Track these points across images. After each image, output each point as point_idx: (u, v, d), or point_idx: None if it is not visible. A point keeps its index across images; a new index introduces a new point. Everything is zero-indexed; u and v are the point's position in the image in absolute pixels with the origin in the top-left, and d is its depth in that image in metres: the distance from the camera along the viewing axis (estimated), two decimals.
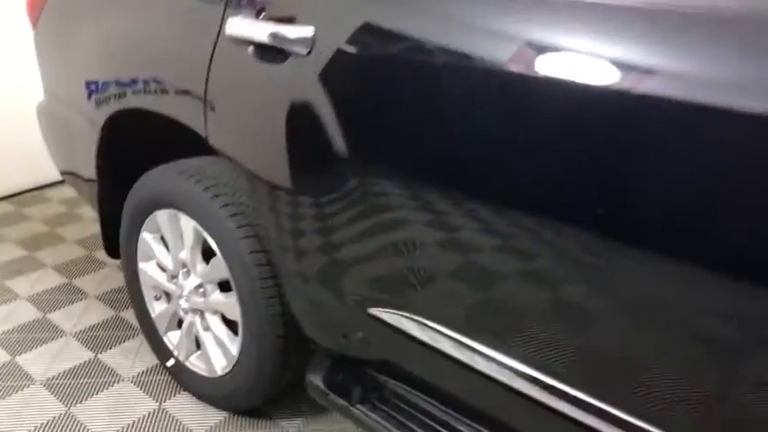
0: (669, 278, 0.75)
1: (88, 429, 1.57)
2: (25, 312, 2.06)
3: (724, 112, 0.68)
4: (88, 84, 1.66)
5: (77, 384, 1.73)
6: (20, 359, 1.83)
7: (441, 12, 0.93)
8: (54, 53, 1.84)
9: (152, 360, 1.81)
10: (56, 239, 2.57)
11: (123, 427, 1.59)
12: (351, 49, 1.03)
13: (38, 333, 1.95)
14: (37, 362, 1.82)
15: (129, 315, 2.00)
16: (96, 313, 2.07)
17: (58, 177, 2.37)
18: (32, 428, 1.57)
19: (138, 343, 1.90)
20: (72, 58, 1.73)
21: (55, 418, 1.61)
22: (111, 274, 2.30)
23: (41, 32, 1.87)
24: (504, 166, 0.89)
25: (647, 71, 0.73)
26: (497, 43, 0.86)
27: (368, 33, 1.01)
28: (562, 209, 0.83)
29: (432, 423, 1.20)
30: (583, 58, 0.78)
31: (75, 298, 2.15)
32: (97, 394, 1.70)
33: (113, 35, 1.56)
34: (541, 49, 0.82)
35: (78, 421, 1.60)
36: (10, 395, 1.68)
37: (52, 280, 2.26)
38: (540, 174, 0.85)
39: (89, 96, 1.66)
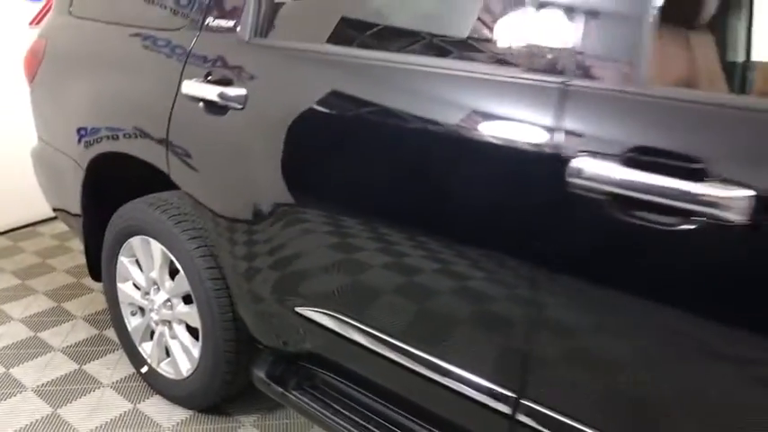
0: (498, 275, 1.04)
1: (72, 427, 1.83)
2: (18, 332, 2.32)
3: None
4: (78, 130, 1.96)
5: (64, 390, 1.99)
6: (13, 370, 2.09)
7: (326, 85, 1.25)
8: (47, 105, 2.16)
9: (129, 369, 2.07)
10: (47, 269, 2.85)
11: (102, 424, 1.84)
12: (273, 106, 1.34)
13: (29, 349, 2.21)
14: (28, 372, 2.08)
15: (111, 333, 2.26)
16: (82, 332, 2.33)
17: (51, 214, 2.66)
18: (24, 426, 1.82)
19: (118, 356, 2.16)
20: (62, 110, 2.05)
21: (43, 417, 1.86)
22: (96, 298, 2.56)
23: (36, 88, 2.18)
24: (381, 193, 1.19)
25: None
26: (369, 101, 1.18)
27: (283, 94, 1.32)
28: (427, 221, 1.13)
29: (352, 404, 1.47)
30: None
31: (64, 319, 2.42)
32: (81, 398, 1.96)
33: (97, 92, 1.87)
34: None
35: (64, 420, 1.86)
36: (4, 400, 1.94)
37: (43, 304, 2.53)
38: (397, 192, 1.15)
39: (78, 141, 1.95)
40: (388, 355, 1.28)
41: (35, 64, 2.14)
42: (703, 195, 0.80)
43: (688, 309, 0.85)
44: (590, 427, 1.01)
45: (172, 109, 1.57)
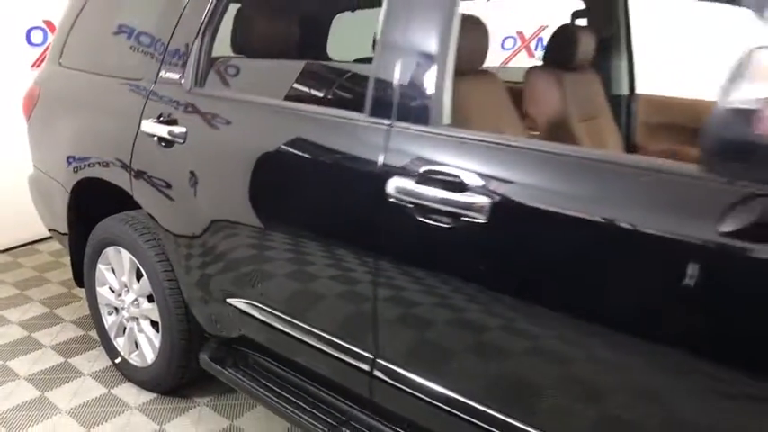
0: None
1: (56, 407, 2.19)
2: (15, 333, 2.70)
3: None
4: (67, 158, 2.34)
5: (51, 378, 2.35)
6: (9, 363, 2.46)
7: (242, 124, 1.64)
8: (41, 139, 2.57)
9: (106, 362, 2.44)
10: (43, 281, 3.24)
11: (81, 404, 2.20)
12: (205, 140, 1.74)
13: (24, 346, 2.59)
14: (22, 364, 2.45)
15: (95, 334, 2.62)
16: (70, 332, 2.71)
17: (47, 234, 3.04)
18: (17, 404, 2.19)
19: (99, 351, 2.53)
20: (52, 144, 2.45)
21: (33, 399, 2.23)
22: (84, 305, 2.92)
23: (32, 125, 2.59)
24: (277, 207, 1.57)
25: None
26: (265, 135, 1.57)
27: (212, 131, 1.72)
28: (304, 227, 1.51)
29: (277, 379, 1.82)
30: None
31: (55, 322, 2.80)
32: (65, 384, 2.32)
33: (79, 129, 2.28)
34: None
35: (50, 402, 2.22)
36: (1, 386, 2.31)
37: (38, 310, 2.92)
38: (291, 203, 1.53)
39: (65, 169, 2.34)
40: (290, 332, 1.64)
41: (31, 105, 2.56)
42: (463, 202, 1.18)
43: (462, 275, 1.22)
44: (426, 378, 1.36)
45: (134, 143, 1.97)
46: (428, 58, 1.30)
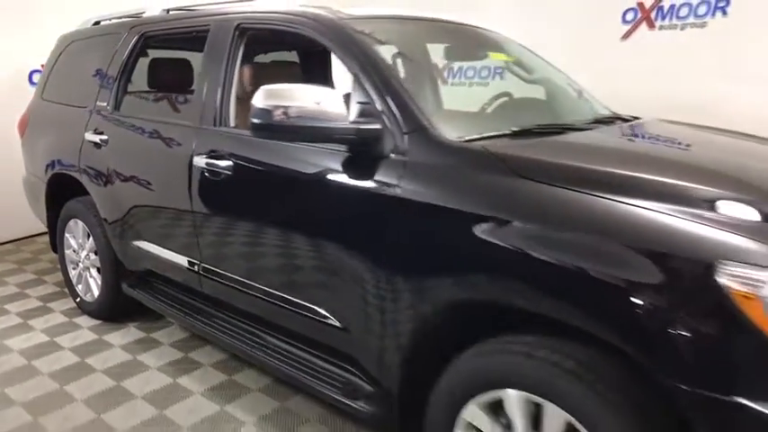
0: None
1: (39, 371, 3.23)
2: (14, 290, 3.78)
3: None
4: (44, 163, 3.44)
5: (40, 352, 3.41)
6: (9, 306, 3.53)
7: (135, 134, 2.71)
8: (29, 150, 3.68)
9: (70, 301, 3.49)
10: (37, 260, 4.34)
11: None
12: (116, 144, 2.81)
13: (18, 299, 3.66)
14: (11, 299, 3.51)
15: (65, 288, 3.68)
16: (50, 287, 3.78)
17: (43, 229, 4.12)
18: (9, 370, 3.24)
19: (67, 297, 3.58)
20: (36, 153, 3.55)
21: (23, 366, 3.28)
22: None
23: (25, 141, 3.71)
24: (152, 182, 2.63)
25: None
26: (151, 139, 2.63)
27: (119, 138, 2.79)
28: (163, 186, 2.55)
29: (164, 292, 2.85)
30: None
31: (41, 283, 3.88)
32: (50, 354, 3.37)
33: (52, 141, 3.38)
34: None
35: (36, 369, 3.27)
36: None
37: (30, 276, 4.00)
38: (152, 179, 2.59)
39: (44, 169, 3.44)
40: (161, 255, 2.68)
41: (24, 127, 3.68)
42: (224, 165, 2.21)
43: (230, 206, 2.25)
44: (228, 271, 2.37)
45: (81, 147, 3.05)
46: (218, 88, 2.35)
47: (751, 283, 1.20)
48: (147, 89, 2.97)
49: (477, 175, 1.61)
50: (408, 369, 1.79)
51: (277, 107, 1.74)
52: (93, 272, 3.27)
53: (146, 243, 2.78)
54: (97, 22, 3.38)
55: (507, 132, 1.85)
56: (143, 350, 2.97)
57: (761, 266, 1.21)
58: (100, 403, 2.50)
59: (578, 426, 1.42)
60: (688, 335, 1.24)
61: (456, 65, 4.34)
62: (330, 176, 1.89)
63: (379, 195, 1.74)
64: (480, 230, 1.53)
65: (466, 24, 2.63)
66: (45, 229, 3.87)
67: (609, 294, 1.34)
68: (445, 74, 4.39)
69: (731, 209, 1.37)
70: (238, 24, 2.36)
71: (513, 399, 1.54)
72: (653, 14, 4.92)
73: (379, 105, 1.81)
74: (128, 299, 3.07)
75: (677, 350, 1.26)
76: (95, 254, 3.21)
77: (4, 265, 4.25)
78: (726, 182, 1.54)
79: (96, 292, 3.26)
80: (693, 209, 1.35)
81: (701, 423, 1.25)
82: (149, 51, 3.00)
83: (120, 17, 3.18)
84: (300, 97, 1.76)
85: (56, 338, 3.13)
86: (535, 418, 1.53)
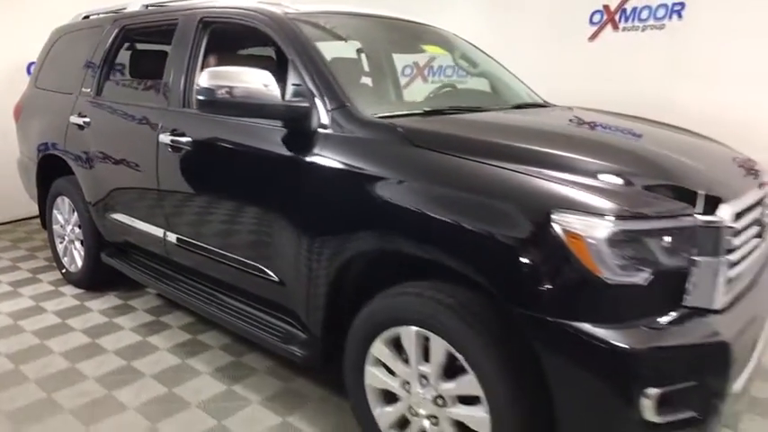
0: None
1: (26, 330, 3.54)
2: (8, 264, 4.09)
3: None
4: (36, 145, 3.75)
5: (22, 314, 3.71)
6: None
7: (113, 115, 3.01)
8: (23, 134, 3.99)
9: (58, 274, 3.79)
10: (31, 239, 4.65)
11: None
12: (96, 125, 3.11)
13: (11, 271, 3.96)
14: (3, 271, 3.82)
15: (53, 263, 3.98)
16: (41, 262, 4.08)
17: (37, 212, 4.43)
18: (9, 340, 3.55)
19: (54, 270, 3.88)
20: (29, 137, 3.86)
21: (9, 326, 3.58)
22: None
23: (19, 126, 4.02)
24: (125, 157, 2.92)
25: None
26: (124, 119, 2.93)
27: (99, 119, 3.09)
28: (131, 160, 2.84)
29: (145, 263, 3.15)
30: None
31: (33, 257, 4.19)
32: (37, 318, 3.67)
33: (43, 124, 3.68)
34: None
35: (24, 330, 3.57)
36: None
37: (21, 252, 4.32)
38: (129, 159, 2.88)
39: (36, 151, 3.75)
40: (133, 225, 2.97)
41: (18, 113, 3.99)
42: (184, 141, 2.50)
43: (190, 177, 2.55)
44: (190, 238, 2.66)
45: (66, 130, 3.35)
46: (182, 74, 2.64)
47: (577, 226, 1.48)
48: (129, 77, 3.27)
49: (382, 144, 1.89)
50: (329, 315, 2.08)
51: (220, 87, 2.03)
52: (78, 244, 3.57)
53: (121, 215, 3.07)
54: (87, 17, 3.69)
55: (419, 112, 2.13)
56: (119, 314, 3.27)
57: (586, 213, 1.48)
58: (75, 356, 2.80)
59: (455, 353, 1.71)
60: (530, 269, 1.52)
61: (436, 63, 4.62)
62: (267, 148, 2.18)
63: (305, 163, 2.03)
64: (383, 190, 1.82)
65: (409, 21, 2.92)
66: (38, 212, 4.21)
67: (473, 240, 1.62)
68: (426, 72, 4.69)
69: (596, 173, 1.62)
70: (201, 18, 2.65)
71: (408, 333, 1.82)
72: (617, 16, 5.23)
73: (308, 86, 2.10)
74: (107, 268, 3.36)
75: (521, 282, 1.54)
76: (79, 227, 3.51)
77: (0, 243, 4.57)
78: (602, 154, 1.80)
79: (80, 263, 3.56)
80: (552, 171, 1.62)
81: (537, 340, 1.53)
82: (134, 44, 3.31)
83: (107, 12, 3.48)
84: (242, 78, 2.05)
85: (41, 303, 3.43)
86: (425, 351, 1.81)
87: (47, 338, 2.99)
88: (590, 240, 1.46)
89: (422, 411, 1.85)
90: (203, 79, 2.03)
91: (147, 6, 3.20)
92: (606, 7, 5.22)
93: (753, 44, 4.14)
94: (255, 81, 2.04)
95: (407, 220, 1.75)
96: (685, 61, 4.56)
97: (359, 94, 2.14)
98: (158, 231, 2.81)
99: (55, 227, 3.74)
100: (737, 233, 1.63)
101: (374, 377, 1.96)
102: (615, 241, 1.47)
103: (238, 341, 2.89)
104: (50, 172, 3.71)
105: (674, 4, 4.83)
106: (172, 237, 2.74)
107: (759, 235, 1.84)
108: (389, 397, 1.97)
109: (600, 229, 1.46)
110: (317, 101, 2.07)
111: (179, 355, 2.80)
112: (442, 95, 2.83)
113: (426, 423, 1.85)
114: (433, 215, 1.69)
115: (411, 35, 2.99)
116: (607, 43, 5.25)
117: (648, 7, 5.03)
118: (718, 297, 1.56)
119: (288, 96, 2.15)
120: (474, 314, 1.67)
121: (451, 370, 1.75)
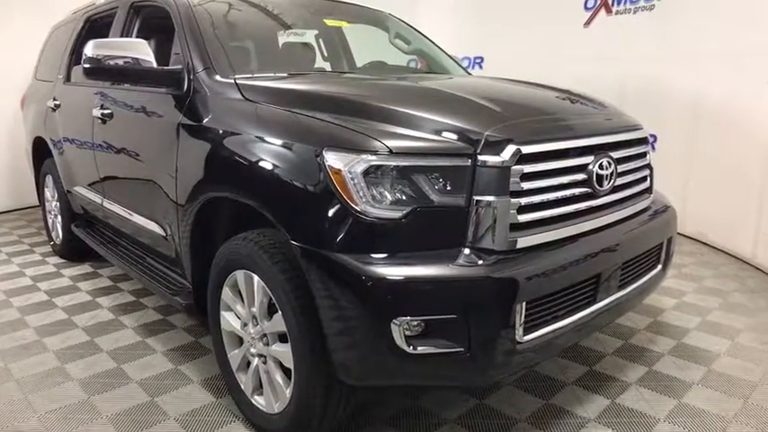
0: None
1: (12, 262, 3.95)
2: (14, 239, 4.55)
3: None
4: (30, 131, 4.18)
5: (13, 291, 4.14)
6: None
7: (81, 97, 3.33)
8: (25, 121, 4.44)
9: (49, 248, 4.19)
10: (35, 221, 5.13)
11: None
12: (64, 107, 3.45)
13: (12, 245, 4.42)
14: (3, 245, 4.26)
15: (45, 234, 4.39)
16: (40, 237, 4.51)
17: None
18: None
19: (46, 244, 4.29)
20: (28, 122, 4.30)
21: (1, 302, 4.01)
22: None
23: (23, 114, 4.48)
24: (82, 137, 3.23)
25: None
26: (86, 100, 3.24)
27: (67, 101, 3.43)
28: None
29: (108, 238, 3.45)
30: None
31: (38, 235, 4.63)
32: (28, 297, 4.09)
33: (36, 111, 4.10)
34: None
35: (14, 305, 3.98)
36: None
37: (31, 230, 4.78)
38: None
39: (30, 135, 4.18)
40: (87, 196, 3.26)
41: (24, 103, 4.46)
42: (102, 114, 2.76)
43: (113, 146, 2.80)
44: (114, 201, 2.92)
45: (46, 113, 3.73)
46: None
47: (339, 162, 1.56)
48: None
49: (223, 100, 2.05)
50: (199, 264, 2.24)
51: (105, 56, 2.25)
52: (59, 218, 3.95)
53: (78, 187, 3.39)
54: (75, 12, 4.08)
55: (284, 75, 2.27)
56: (84, 279, 3.59)
57: (349, 150, 1.56)
58: (31, 311, 3.12)
59: (268, 290, 1.82)
60: (302, 203, 1.63)
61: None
62: (157, 112, 2.39)
63: (177, 124, 2.21)
64: (215, 140, 1.98)
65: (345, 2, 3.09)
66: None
67: (268, 180, 1.75)
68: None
69: (387, 118, 1.71)
70: (132, 3, 2.91)
71: (240, 276, 1.95)
72: (610, 0, 5.11)
73: (183, 53, 2.28)
74: (80, 240, 3.70)
75: (296, 216, 1.64)
76: (59, 201, 3.88)
77: (17, 222, 5.08)
78: (413, 104, 1.85)
79: (60, 236, 3.93)
80: (346, 116, 1.72)
81: (308, 271, 1.63)
82: (93, 33, 3.63)
83: (85, 7, 3.85)
84: (124, 47, 2.27)
85: (24, 269, 3.82)
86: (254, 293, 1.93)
87: (12, 296, 3.34)
88: (347, 174, 1.54)
89: (253, 351, 1.97)
90: (88, 49, 2.26)
91: None
92: None
93: (734, 20, 3.95)
94: (136, 50, 2.24)
95: (228, 166, 1.90)
96: (675, 40, 4.40)
97: (229, 60, 2.29)
98: (98, 198, 3.09)
99: (46, 204, 4.15)
100: (528, 177, 1.64)
101: (226, 321, 2.10)
102: (373, 176, 1.54)
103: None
104: (42, 154, 4.11)
105: None
106: (106, 203, 3.00)
107: (588, 184, 1.82)
108: (240, 341, 2.10)
109: (357, 164, 1.54)
110: (188, 65, 2.25)
111: (115, 312, 3.06)
112: (367, 68, 2.99)
113: (259, 362, 1.97)
114: (241, 161, 1.82)
115: (341, 12, 3.16)
116: (601, 27, 5.15)
117: None
118: (499, 238, 1.58)
119: (171, 65, 2.34)
120: (279, 253, 1.78)
121: (272, 309, 1.86)
